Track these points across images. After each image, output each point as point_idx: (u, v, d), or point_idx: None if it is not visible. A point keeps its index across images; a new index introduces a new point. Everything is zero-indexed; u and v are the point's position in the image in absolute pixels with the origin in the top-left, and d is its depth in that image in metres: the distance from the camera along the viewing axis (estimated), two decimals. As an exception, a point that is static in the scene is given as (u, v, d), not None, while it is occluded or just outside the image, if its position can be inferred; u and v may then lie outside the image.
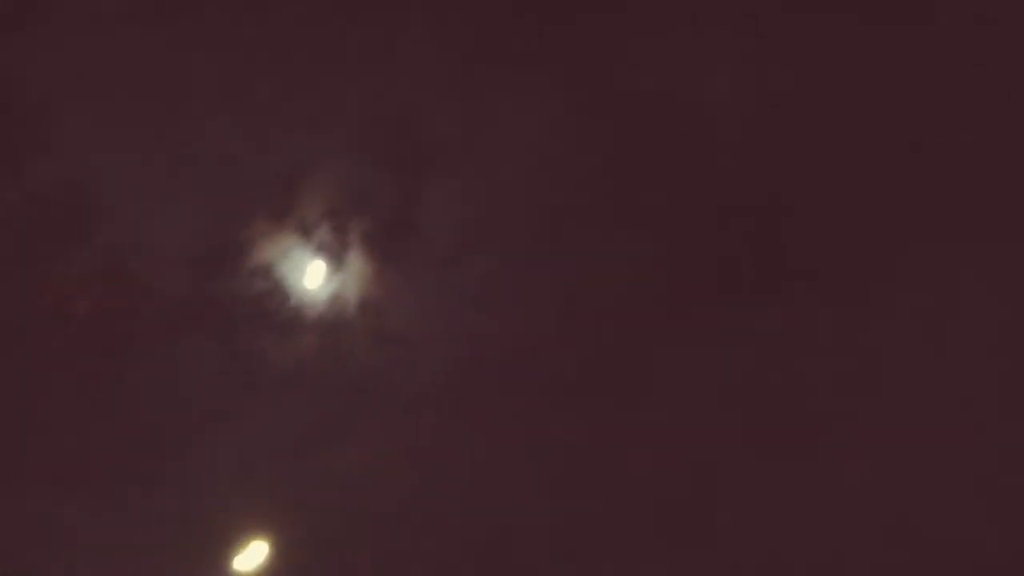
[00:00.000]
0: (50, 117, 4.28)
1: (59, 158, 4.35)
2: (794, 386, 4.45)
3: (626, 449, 4.50)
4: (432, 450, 4.65)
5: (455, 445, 4.69)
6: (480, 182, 4.56)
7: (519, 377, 4.60)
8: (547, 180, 4.52)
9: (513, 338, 4.54)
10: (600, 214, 4.46)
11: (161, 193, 4.44)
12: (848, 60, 4.62)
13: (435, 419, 4.65)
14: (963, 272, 4.50)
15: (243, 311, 4.57)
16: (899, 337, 4.49)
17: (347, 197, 4.56)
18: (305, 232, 4.53)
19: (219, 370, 4.54)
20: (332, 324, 4.58)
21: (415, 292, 4.57)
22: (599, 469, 4.56)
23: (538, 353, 4.56)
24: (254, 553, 4.39)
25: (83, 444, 4.35)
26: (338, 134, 4.46)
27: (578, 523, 4.61)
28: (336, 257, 4.54)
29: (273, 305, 4.54)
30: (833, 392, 4.46)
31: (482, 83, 4.44)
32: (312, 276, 4.59)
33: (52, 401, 4.40)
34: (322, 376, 4.60)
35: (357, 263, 4.59)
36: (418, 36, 4.37)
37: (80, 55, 4.28)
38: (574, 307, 4.40)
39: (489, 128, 4.52)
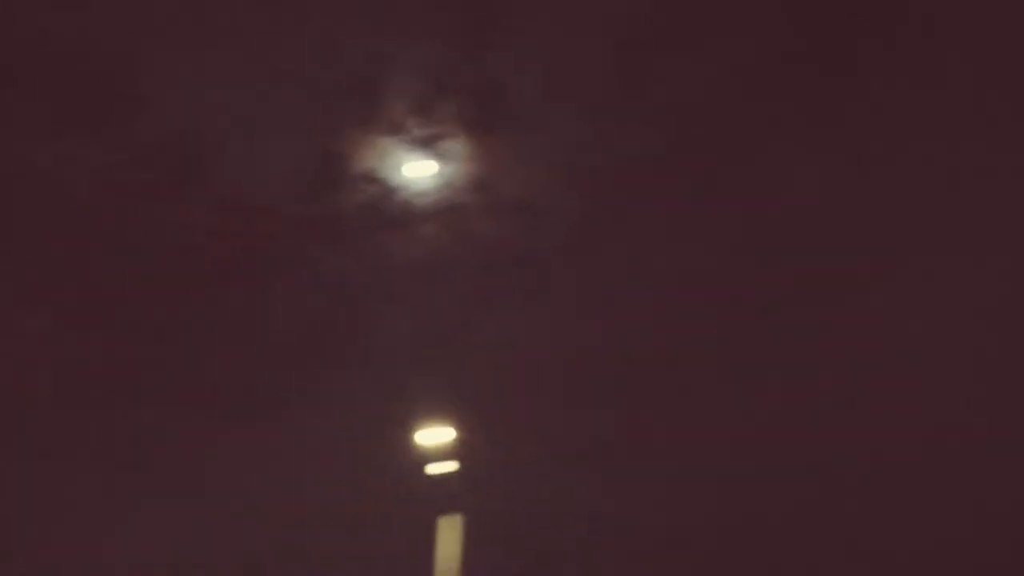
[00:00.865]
0: (140, 71, 4.24)
1: (158, 109, 4.36)
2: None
3: (745, 273, 4.69)
4: (574, 305, 4.92)
5: (593, 296, 4.95)
6: (550, 35, 4.45)
7: (639, 212, 4.73)
8: (610, 20, 4.39)
9: (622, 176, 4.63)
10: (678, 40, 4.36)
11: (258, 123, 4.46)
12: None
13: (567, 275, 4.87)
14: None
15: (360, 216, 4.72)
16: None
17: (427, 86, 4.52)
18: (397, 130, 4.55)
19: (352, 274, 4.77)
20: (446, 209, 4.71)
21: (516, 159, 4.64)
22: (726, 299, 4.80)
23: (652, 187, 4.65)
24: (434, 430, 4.85)
25: (248, 358, 4.72)
26: (403, 25, 4.35)
27: (702, 352, 4.92)
28: (433, 146, 4.59)
29: (386, 204, 4.67)
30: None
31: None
32: (414, 169, 4.67)
33: (208, 323, 4.72)
34: (451, 259, 4.81)
35: (454, 146, 4.64)
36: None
37: (147, 11, 4.15)
38: (675, 133, 4.43)
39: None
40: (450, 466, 4.44)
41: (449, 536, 4.33)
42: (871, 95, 4.55)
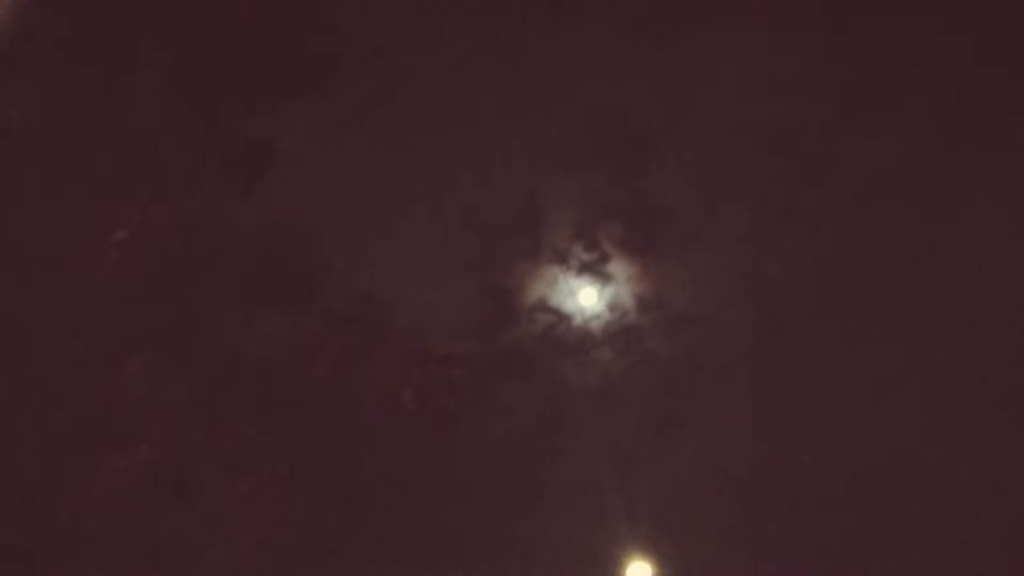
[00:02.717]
0: (317, 247, 4.77)
1: (336, 278, 4.80)
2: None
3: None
4: (768, 415, 4.55)
5: (781, 409, 4.58)
6: (699, 150, 4.69)
7: (820, 310, 4.52)
8: (764, 116, 4.61)
9: (795, 276, 4.51)
10: (828, 130, 4.48)
11: (431, 270, 4.78)
12: None
13: (756, 385, 4.58)
14: None
15: (537, 348, 4.74)
16: None
17: (586, 212, 4.77)
18: (563, 258, 4.73)
19: (536, 408, 4.67)
20: (621, 332, 4.68)
21: (686, 275, 4.65)
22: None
23: (828, 287, 4.49)
24: (639, 565, 4.32)
25: (447, 512, 4.51)
26: (554, 155, 4.74)
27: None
28: (599, 270, 4.70)
29: (560, 333, 4.70)
30: None
31: (664, 55, 4.65)
32: (584, 295, 4.75)
33: (413, 480, 4.62)
34: (631, 383, 4.65)
35: (620, 268, 4.73)
36: (592, 35, 4.66)
37: (316, 185, 4.80)
38: (844, 233, 4.36)
39: (688, 98, 4.69)
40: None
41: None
42: None
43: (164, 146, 4.93)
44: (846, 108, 4.50)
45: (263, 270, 4.87)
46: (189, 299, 4.87)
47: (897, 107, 4.45)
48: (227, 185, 4.84)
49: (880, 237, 4.59)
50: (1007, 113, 4.41)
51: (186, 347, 4.86)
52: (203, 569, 4.60)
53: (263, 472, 4.71)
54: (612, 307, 4.72)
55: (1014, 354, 4.42)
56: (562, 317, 4.72)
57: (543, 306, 4.72)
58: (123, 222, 5.05)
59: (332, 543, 4.50)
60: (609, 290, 4.70)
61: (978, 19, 4.42)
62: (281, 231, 4.83)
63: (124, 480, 4.66)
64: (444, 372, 4.71)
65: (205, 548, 4.58)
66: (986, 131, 4.43)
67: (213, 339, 4.90)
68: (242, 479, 4.68)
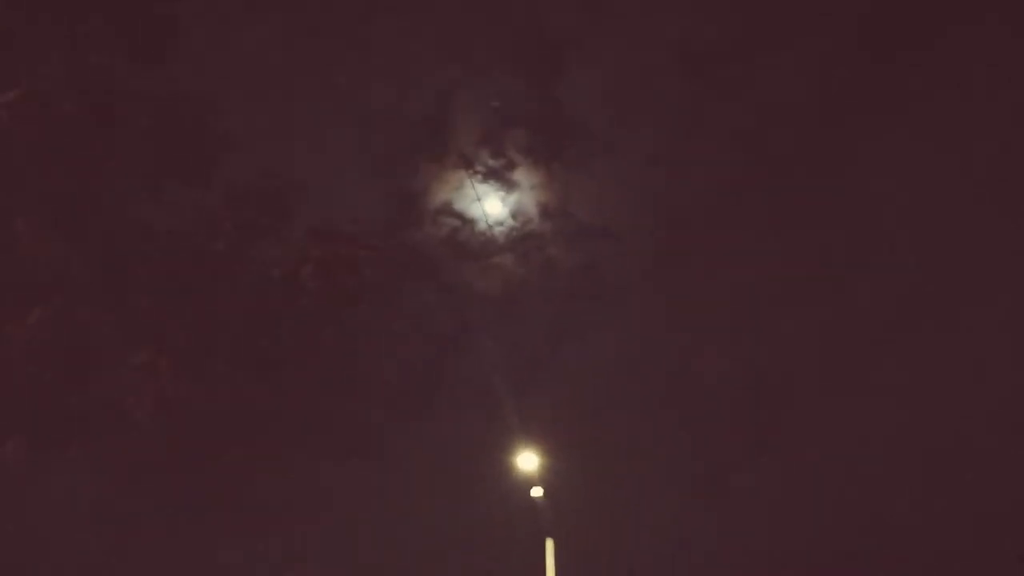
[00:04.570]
0: (223, 120, 4.58)
1: (242, 153, 4.65)
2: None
3: (841, 277, 4.54)
4: (649, 328, 4.78)
5: (672, 317, 4.81)
6: (613, 61, 4.65)
7: (717, 229, 4.68)
8: (674, 35, 4.58)
9: (696, 195, 4.63)
10: (738, 50, 4.49)
11: (337, 159, 4.70)
12: None
13: (651, 297, 4.77)
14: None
15: (441, 249, 4.79)
16: None
17: (495, 118, 4.72)
18: (469, 163, 4.71)
19: (438, 307, 4.77)
20: (524, 238, 4.76)
21: (589, 183, 4.71)
22: (807, 314, 4.61)
23: (725, 199, 4.63)
24: (526, 455, 4.59)
25: (346, 394, 4.65)
26: (469, 58, 4.63)
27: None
28: (505, 177, 4.71)
29: (464, 237, 4.75)
30: None
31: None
32: (489, 201, 4.77)
33: (306, 360, 4.71)
34: (531, 289, 4.78)
35: (526, 176, 4.76)
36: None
37: (229, 63, 4.56)
38: (750, 144, 4.46)
39: (607, 9, 4.60)
40: (540, 490, 4.18)
41: (547, 558, 3.99)
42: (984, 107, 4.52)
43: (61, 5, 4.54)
44: (758, 33, 4.53)
45: (164, 140, 4.69)
46: (85, 164, 4.64)
47: (808, 38, 4.51)
48: (130, 52, 4.53)
49: (781, 160, 4.74)
50: (911, 49, 4.53)
51: (82, 212, 4.67)
52: (93, 442, 4.62)
53: (159, 345, 4.67)
54: (516, 214, 4.79)
55: (899, 274, 4.74)
56: (466, 221, 4.76)
57: (448, 209, 4.74)
58: (12, 82, 4.68)
59: (225, 421, 4.58)
60: (513, 197, 4.75)
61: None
62: (184, 103, 4.62)
63: (13, 347, 4.56)
64: (347, 250, 4.69)
65: (95, 420, 4.58)
66: (888, 66, 4.55)
67: (111, 206, 4.73)
68: (137, 351, 4.65)
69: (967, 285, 4.28)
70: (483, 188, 4.52)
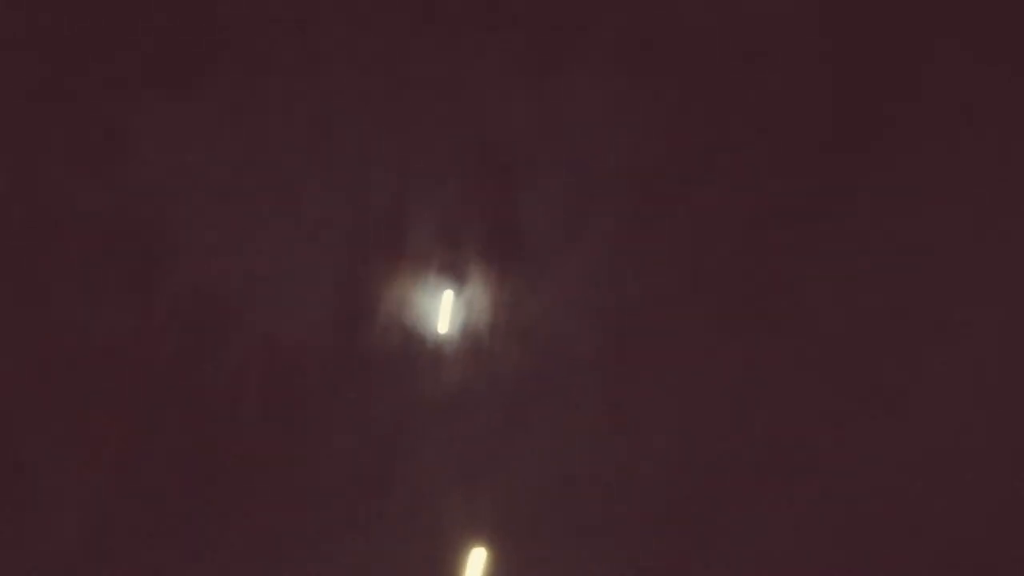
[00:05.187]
0: (163, 236, 4.62)
1: (182, 269, 4.68)
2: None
3: (789, 374, 4.72)
4: (607, 431, 4.87)
5: (626, 423, 4.91)
6: (566, 174, 4.85)
7: (670, 340, 4.84)
8: (630, 149, 4.81)
9: (653, 304, 4.79)
10: (693, 167, 4.72)
11: (286, 267, 4.74)
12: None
13: (598, 404, 4.88)
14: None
15: (389, 351, 4.84)
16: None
17: (450, 226, 4.86)
18: (422, 268, 4.82)
19: (386, 411, 4.79)
20: (473, 344, 4.84)
21: (541, 290, 4.84)
22: (765, 406, 4.78)
23: (681, 310, 4.80)
24: (473, 566, 4.59)
25: (284, 499, 4.59)
26: (425, 167, 4.78)
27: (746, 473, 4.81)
28: (457, 284, 4.82)
29: (415, 341, 4.81)
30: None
31: (544, 86, 4.75)
32: (440, 306, 4.87)
33: (243, 467, 4.65)
34: (481, 386, 4.85)
35: (477, 284, 4.87)
36: (475, 58, 4.70)
37: (168, 175, 4.62)
38: (700, 257, 4.65)
39: (562, 125, 4.82)
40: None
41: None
42: (914, 224, 4.82)
43: (9, 110, 4.58)
44: (699, 161, 4.78)
45: (105, 253, 4.68)
46: (29, 278, 4.62)
47: (750, 168, 4.77)
48: (74, 163, 4.57)
49: (718, 275, 4.95)
50: (856, 178, 4.82)
51: (18, 324, 4.63)
52: (22, 553, 4.48)
53: (92, 462, 4.60)
54: (466, 320, 4.87)
55: (851, 380, 4.93)
56: (416, 324, 4.82)
57: (398, 313, 4.81)
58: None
59: (163, 538, 4.48)
60: (464, 303, 4.85)
61: (838, 83, 4.76)
62: (127, 215, 4.64)
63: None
64: (292, 364, 4.72)
65: (26, 531, 4.45)
66: (833, 196, 4.82)
67: (48, 318, 4.68)
68: (66, 464, 4.55)
69: (904, 403, 4.49)
70: (435, 293, 4.62)
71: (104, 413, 4.63)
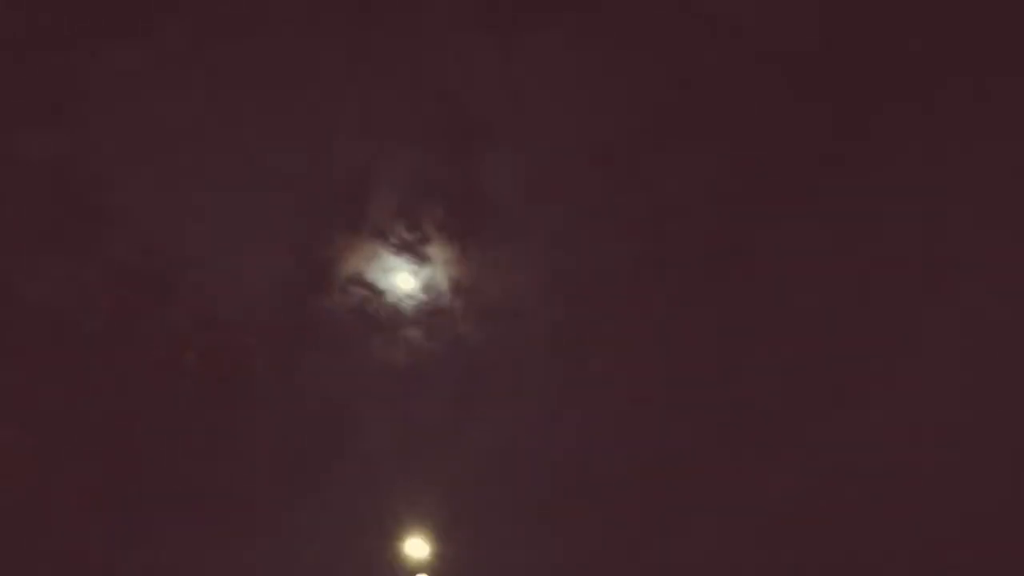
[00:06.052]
0: (110, 191, 4.39)
1: (128, 227, 4.46)
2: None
3: (750, 345, 4.76)
4: (557, 406, 4.86)
5: (575, 401, 4.91)
6: (532, 141, 4.76)
7: (623, 316, 4.82)
8: (592, 125, 4.73)
9: (606, 280, 4.76)
10: (655, 134, 4.66)
11: (238, 231, 4.56)
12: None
13: (549, 380, 4.85)
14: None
15: (346, 321, 4.72)
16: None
17: (413, 192, 4.73)
18: (383, 235, 4.69)
19: (339, 380, 4.69)
20: (432, 313, 4.76)
21: (501, 263, 4.77)
22: (726, 384, 4.82)
23: (636, 291, 4.78)
24: (416, 538, 4.56)
25: (234, 468, 4.48)
26: (388, 132, 4.63)
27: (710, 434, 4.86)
28: (418, 251, 4.71)
29: (372, 309, 4.71)
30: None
31: (510, 47, 4.63)
32: (401, 274, 4.76)
33: (192, 436, 4.51)
34: (437, 364, 4.78)
35: (439, 251, 4.77)
36: (438, 19, 4.54)
37: (121, 127, 4.38)
38: (657, 233, 4.63)
39: (528, 88, 4.71)
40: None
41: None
42: (868, 190, 4.83)
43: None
44: (662, 130, 4.74)
45: (47, 209, 4.43)
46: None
47: (706, 137, 4.75)
48: (20, 115, 4.29)
49: (677, 246, 4.94)
50: (822, 144, 4.83)
51: None
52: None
53: (24, 423, 4.40)
54: (427, 288, 4.78)
55: (816, 350, 4.98)
56: (376, 293, 4.71)
57: (358, 280, 4.69)
58: None
59: (93, 501, 4.33)
60: (425, 271, 4.75)
61: (796, 59, 4.76)
62: (71, 170, 4.39)
63: None
64: (232, 338, 4.57)
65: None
66: (782, 170, 4.84)
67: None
68: (7, 430, 4.36)
69: (857, 379, 4.57)
70: (396, 261, 4.50)
71: (34, 376, 4.42)
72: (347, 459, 4.49)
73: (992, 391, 4.81)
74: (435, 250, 4.83)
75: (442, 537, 4.32)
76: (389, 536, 4.32)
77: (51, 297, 4.38)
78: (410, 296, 4.69)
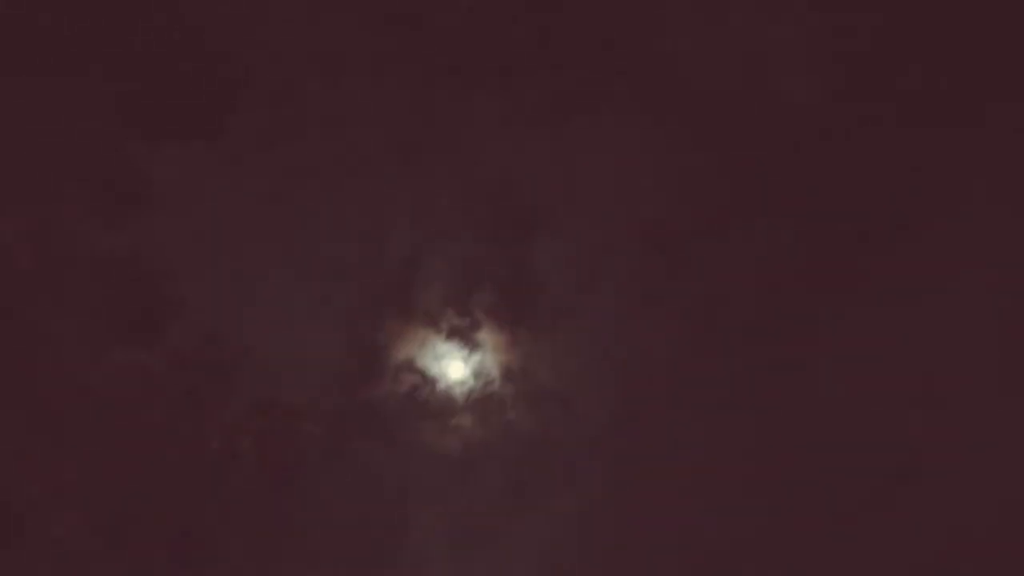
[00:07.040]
0: (175, 282, 4.53)
1: (192, 317, 4.57)
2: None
3: (810, 436, 4.64)
4: (610, 497, 4.70)
5: (627, 487, 4.76)
6: (582, 228, 4.90)
7: (676, 403, 4.76)
8: (643, 211, 4.88)
9: (657, 366, 4.74)
10: (707, 222, 4.78)
11: (292, 320, 4.64)
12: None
13: (605, 466, 4.73)
14: None
15: (397, 409, 4.69)
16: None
17: (463, 278, 4.84)
18: (433, 321, 4.75)
19: (389, 470, 4.59)
20: (483, 399, 4.72)
21: (552, 349, 4.78)
22: (774, 472, 4.67)
23: (690, 374, 4.75)
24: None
25: (288, 555, 4.30)
26: (440, 221, 4.80)
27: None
28: (469, 336, 4.75)
29: (424, 396, 4.68)
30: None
31: (561, 137, 4.86)
32: (452, 360, 4.77)
33: (247, 529, 4.37)
34: (488, 453, 4.69)
35: (489, 336, 4.80)
36: (490, 110, 4.81)
37: (187, 222, 4.59)
38: (708, 321, 4.66)
39: (579, 176, 4.91)
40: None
41: None
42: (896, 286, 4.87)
43: (31, 158, 4.55)
44: (710, 217, 4.87)
45: (114, 302, 4.56)
46: (33, 321, 4.47)
47: (752, 225, 4.87)
48: (93, 211, 4.52)
49: (728, 331, 4.93)
50: (848, 242, 4.91)
51: (25, 370, 4.45)
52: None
53: (84, 514, 4.32)
54: (477, 374, 4.76)
55: (840, 437, 4.84)
56: (427, 380, 4.70)
57: (409, 367, 4.69)
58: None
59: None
60: (476, 358, 4.75)
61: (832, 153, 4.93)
62: (139, 265, 4.55)
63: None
64: (289, 423, 4.55)
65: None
66: (825, 259, 4.91)
67: (54, 366, 4.50)
68: (61, 519, 4.27)
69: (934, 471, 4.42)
70: (446, 347, 4.52)
71: (98, 465, 4.38)
72: (399, 564, 4.33)
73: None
74: (485, 336, 4.86)
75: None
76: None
77: (115, 389, 4.43)
78: (461, 383, 4.68)
